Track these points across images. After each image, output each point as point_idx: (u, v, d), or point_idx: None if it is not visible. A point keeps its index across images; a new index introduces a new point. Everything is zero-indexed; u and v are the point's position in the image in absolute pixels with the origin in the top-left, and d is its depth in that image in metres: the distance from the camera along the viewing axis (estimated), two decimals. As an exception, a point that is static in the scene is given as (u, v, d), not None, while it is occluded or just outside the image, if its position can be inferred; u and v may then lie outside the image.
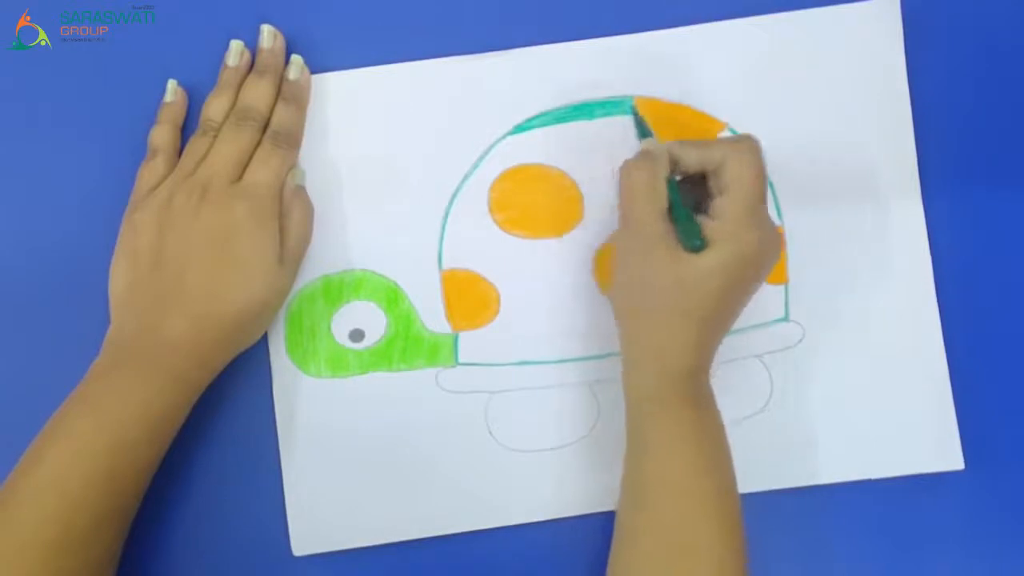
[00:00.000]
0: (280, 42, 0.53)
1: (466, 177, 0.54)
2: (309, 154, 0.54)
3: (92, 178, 0.54)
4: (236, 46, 0.53)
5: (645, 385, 0.48)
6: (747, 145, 0.47)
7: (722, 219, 0.46)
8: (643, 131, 0.51)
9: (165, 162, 0.52)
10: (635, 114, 0.52)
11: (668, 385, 0.47)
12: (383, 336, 0.53)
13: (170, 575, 0.53)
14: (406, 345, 0.53)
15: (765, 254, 0.47)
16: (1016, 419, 0.53)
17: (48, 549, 0.45)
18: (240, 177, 0.51)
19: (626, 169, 0.48)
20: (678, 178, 0.48)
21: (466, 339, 0.53)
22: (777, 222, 0.53)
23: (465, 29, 0.54)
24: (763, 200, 0.47)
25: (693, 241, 0.46)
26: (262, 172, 0.51)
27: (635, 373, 0.49)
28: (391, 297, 0.54)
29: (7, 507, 0.46)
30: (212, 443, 0.53)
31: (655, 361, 0.47)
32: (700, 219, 0.46)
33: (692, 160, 0.47)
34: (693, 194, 0.48)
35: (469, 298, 0.54)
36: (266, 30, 0.53)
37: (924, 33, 0.53)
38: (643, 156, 0.48)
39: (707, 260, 0.45)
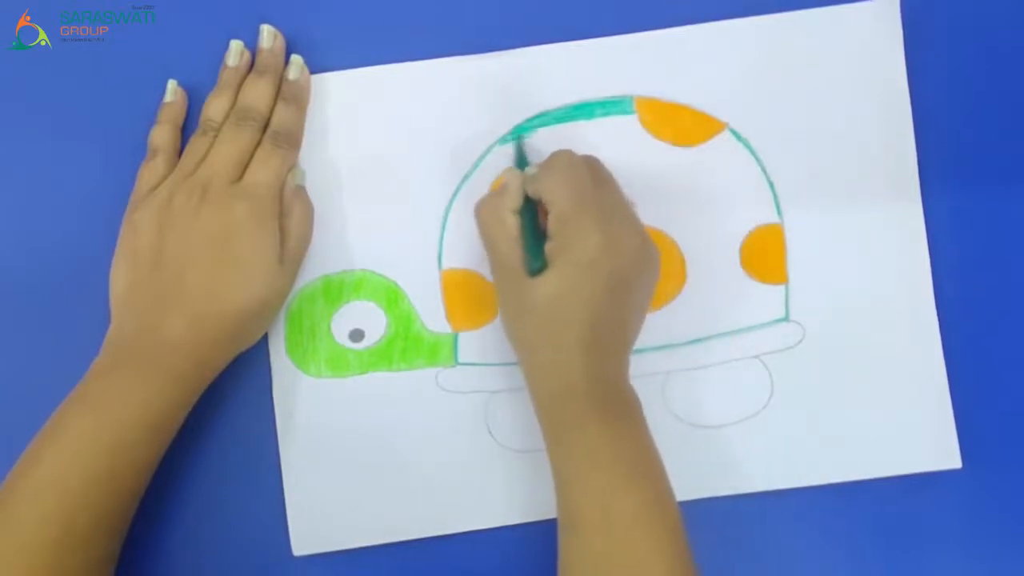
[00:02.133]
0: (280, 42, 0.53)
1: (466, 177, 0.54)
2: (309, 154, 0.54)
3: (92, 178, 0.54)
4: (236, 46, 0.53)
5: (546, 410, 0.48)
6: (553, 161, 0.48)
7: (552, 238, 0.47)
8: (519, 162, 0.51)
9: (165, 162, 0.52)
10: (517, 143, 0.52)
11: (567, 407, 0.46)
12: (383, 336, 0.53)
13: (170, 575, 0.53)
14: (406, 345, 0.53)
15: (612, 257, 0.46)
16: (1013, 418, 0.53)
17: (48, 548, 0.45)
18: (240, 177, 0.51)
19: (477, 204, 0.50)
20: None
21: (466, 339, 0.53)
22: (777, 221, 0.53)
23: (465, 29, 0.54)
24: (588, 209, 0.46)
25: (532, 265, 0.47)
26: (262, 172, 0.51)
27: (535, 398, 0.48)
28: (391, 297, 0.54)
29: (6, 506, 0.46)
30: (212, 443, 0.53)
31: (548, 385, 0.47)
32: (547, 243, 0.47)
33: (528, 190, 0.48)
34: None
35: (469, 298, 0.54)
36: (266, 30, 0.53)
37: (924, 33, 0.54)
38: (496, 190, 0.50)
39: (548, 281, 0.46)
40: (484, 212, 0.49)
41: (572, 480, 0.46)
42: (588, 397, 0.46)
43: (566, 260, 0.46)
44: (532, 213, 0.48)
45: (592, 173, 0.48)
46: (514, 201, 0.48)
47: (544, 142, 0.53)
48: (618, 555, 0.44)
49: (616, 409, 0.47)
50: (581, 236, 0.46)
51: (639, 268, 0.48)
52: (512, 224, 0.48)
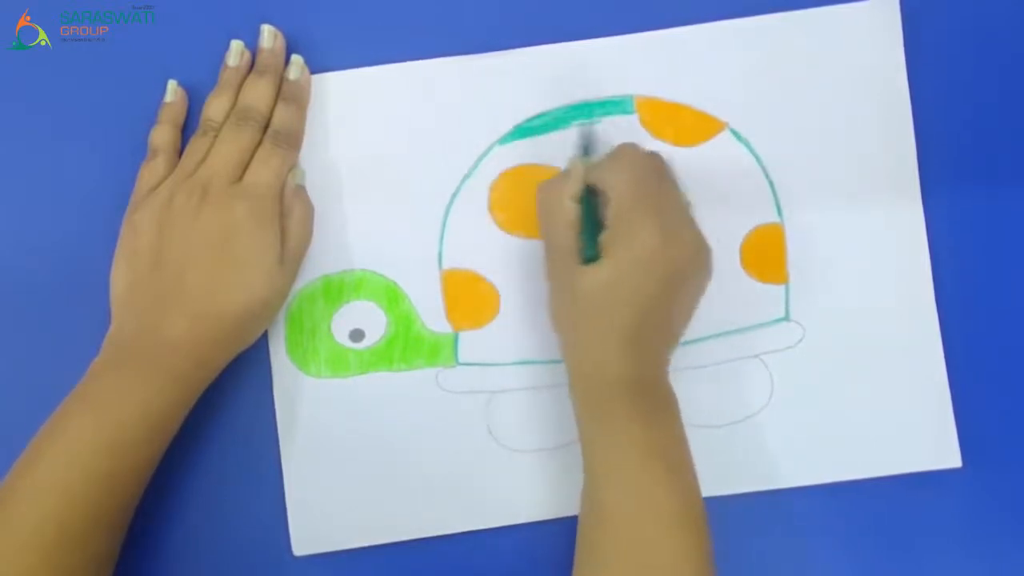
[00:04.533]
0: (280, 42, 0.53)
1: (466, 177, 0.54)
2: (309, 154, 0.54)
3: (92, 178, 0.54)
4: (236, 46, 0.53)
5: (585, 399, 0.48)
6: (620, 153, 0.48)
7: (609, 228, 0.47)
8: (585, 147, 0.51)
9: (165, 162, 0.52)
10: (584, 129, 0.52)
11: (607, 398, 0.46)
12: (383, 336, 0.53)
13: (170, 575, 0.53)
14: (406, 345, 0.53)
15: (667, 254, 0.46)
16: (1013, 417, 0.53)
17: (47, 548, 0.45)
18: (241, 177, 0.51)
19: (539, 188, 0.50)
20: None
21: (466, 339, 0.53)
22: (777, 221, 0.54)
23: (465, 29, 0.54)
24: (648, 204, 0.46)
25: (586, 252, 0.47)
26: (263, 172, 0.51)
27: (575, 387, 0.48)
28: (391, 297, 0.54)
29: (6, 506, 0.46)
30: (212, 443, 0.53)
31: (589, 374, 0.47)
32: (602, 233, 0.47)
33: (591, 179, 0.48)
34: None
35: (469, 298, 0.54)
36: (266, 30, 0.53)
37: (924, 33, 0.54)
38: (559, 175, 0.49)
39: (600, 270, 0.46)
40: (544, 195, 0.49)
41: (608, 473, 0.46)
42: (628, 391, 0.46)
43: (620, 252, 0.46)
44: (591, 201, 0.48)
45: (655, 169, 0.48)
46: (575, 188, 0.48)
47: (544, 142, 0.54)
48: (650, 552, 0.44)
49: (656, 405, 0.47)
50: (637, 230, 0.46)
51: (692, 268, 0.48)
52: (570, 210, 0.48)
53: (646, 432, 0.46)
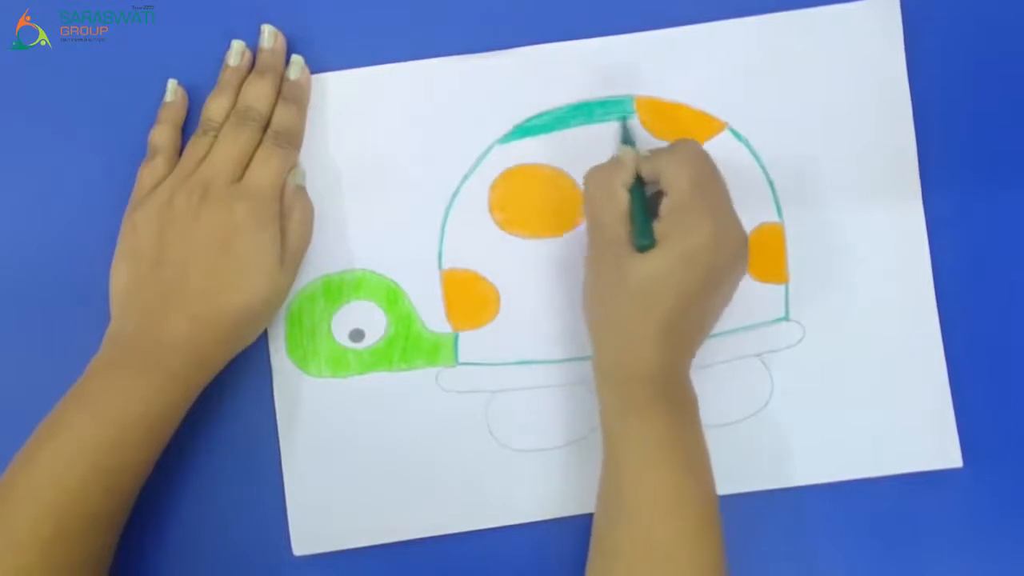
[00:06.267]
0: (281, 42, 0.53)
1: (466, 177, 0.54)
2: (309, 154, 0.54)
3: (92, 178, 0.54)
4: (237, 46, 0.53)
5: (614, 392, 0.48)
6: (680, 147, 0.48)
7: (663, 219, 0.46)
8: (626, 139, 0.51)
9: (165, 162, 0.52)
10: (624, 122, 0.52)
11: (636, 391, 0.47)
12: (383, 336, 0.53)
13: (170, 575, 0.53)
14: (406, 345, 0.53)
15: (717, 249, 0.46)
16: (1014, 417, 0.53)
17: (44, 545, 0.45)
18: (241, 177, 0.51)
19: (588, 174, 0.49)
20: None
21: (466, 339, 0.53)
22: (777, 221, 0.54)
23: (465, 29, 0.54)
24: (705, 198, 0.47)
25: (640, 241, 0.47)
26: (263, 172, 0.51)
27: (603, 380, 0.49)
28: (391, 297, 0.54)
29: (4, 502, 0.46)
30: (212, 443, 0.53)
31: (620, 367, 0.47)
32: (654, 222, 0.47)
33: (644, 170, 0.48)
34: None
35: (469, 298, 0.54)
36: (267, 30, 0.53)
37: (924, 33, 0.54)
38: (609, 162, 0.49)
39: (652, 259, 0.46)
40: (594, 183, 0.49)
41: (631, 466, 0.46)
42: (657, 385, 0.46)
43: (674, 243, 0.46)
44: (641, 191, 0.48)
45: (712, 167, 0.48)
46: (628, 176, 0.48)
47: (544, 142, 0.54)
48: (669, 546, 0.45)
49: (682, 400, 0.47)
50: (694, 224, 0.46)
51: (734, 267, 0.48)
52: (622, 199, 0.47)
53: (671, 428, 0.46)
